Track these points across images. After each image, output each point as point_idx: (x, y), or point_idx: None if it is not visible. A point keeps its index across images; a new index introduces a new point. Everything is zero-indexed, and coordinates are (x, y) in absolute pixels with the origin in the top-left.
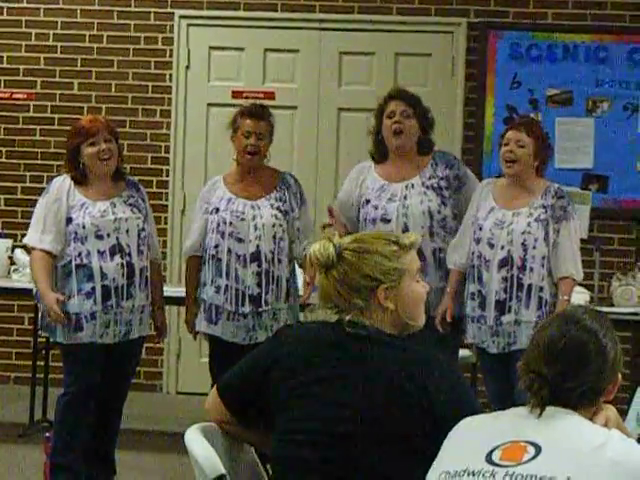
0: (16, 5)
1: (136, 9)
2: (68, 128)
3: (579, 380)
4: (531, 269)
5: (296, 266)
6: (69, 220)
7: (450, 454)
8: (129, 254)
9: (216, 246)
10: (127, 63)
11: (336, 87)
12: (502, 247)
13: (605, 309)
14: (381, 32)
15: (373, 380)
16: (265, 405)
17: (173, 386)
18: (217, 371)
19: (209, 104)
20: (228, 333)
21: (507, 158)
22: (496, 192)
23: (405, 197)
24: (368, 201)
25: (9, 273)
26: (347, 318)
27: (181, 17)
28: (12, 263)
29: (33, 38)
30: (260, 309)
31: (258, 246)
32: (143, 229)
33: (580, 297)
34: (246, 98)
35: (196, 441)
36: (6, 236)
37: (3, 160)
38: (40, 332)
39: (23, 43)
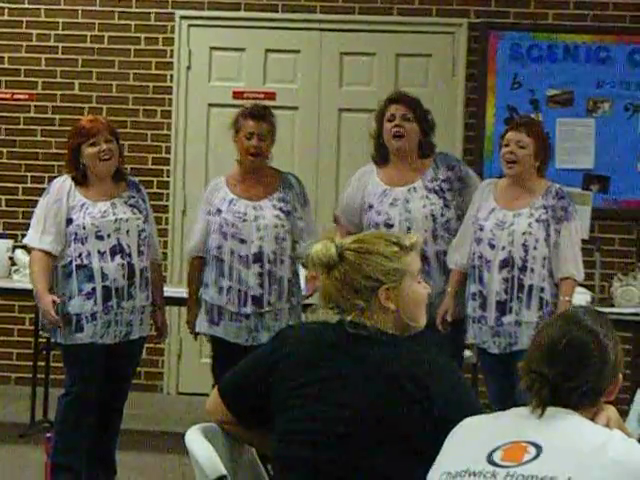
0: (17, 6)
1: (137, 10)
2: (69, 129)
3: (580, 380)
4: (532, 270)
5: (299, 266)
6: (69, 221)
7: (451, 454)
8: (129, 255)
9: (218, 247)
10: (128, 64)
11: (337, 88)
12: (503, 248)
13: (606, 310)
14: (382, 33)
15: (374, 380)
16: (266, 405)
17: (174, 386)
18: (219, 372)
19: (210, 104)
20: (230, 334)
21: (508, 159)
22: (497, 192)
23: (407, 201)
24: (371, 206)
25: (10, 274)
26: (348, 319)
27: (182, 17)
28: (13, 264)
29: (34, 39)
30: (262, 310)
31: (260, 247)
32: (143, 230)
33: (581, 298)
34: (247, 99)
35: (197, 442)
36: (7, 237)
37: (4, 161)
38: (41, 332)
39: (24, 44)
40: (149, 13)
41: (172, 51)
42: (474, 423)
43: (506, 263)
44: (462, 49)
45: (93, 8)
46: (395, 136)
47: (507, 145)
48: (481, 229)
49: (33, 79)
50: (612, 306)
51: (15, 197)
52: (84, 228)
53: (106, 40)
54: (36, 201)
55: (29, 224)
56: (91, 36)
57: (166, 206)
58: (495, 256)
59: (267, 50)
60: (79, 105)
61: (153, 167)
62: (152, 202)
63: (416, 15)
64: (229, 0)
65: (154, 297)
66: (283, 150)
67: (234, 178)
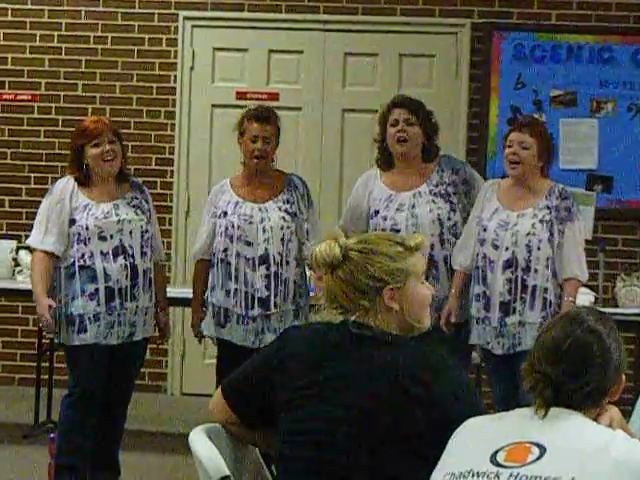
0: (20, 7)
1: (140, 10)
2: (72, 129)
3: (583, 381)
4: (535, 270)
5: (306, 267)
6: (72, 221)
7: (454, 455)
8: (132, 255)
9: (225, 250)
10: (131, 64)
11: (340, 88)
12: (506, 248)
13: (609, 310)
14: (385, 33)
15: (377, 381)
16: (269, 406)
17: (177, 387)
18: (225, 374)
19: (213, 105)
20: (237, 337)
21: (511, 160)
22: (500, 193)
23: (413, 206)
24: (377, 212)
25: (13, 274)
26: (352, 319)
27: (185, 18)
28: (17, 264)
29: (37, 39)
30: (269, 312)
31: (266, 249)
32: (146, 231)
33: (584, 298)
34: (250, 99)
35: (200, 442)
36: (10, 237)
37: (7, 161)
38: (44, 333)
39: (27, 44)
40: (152, 14)
41: (175, 52)
42: (477, 424)
43: (510, 264)
44: (465, 49)
45: (96, 9)
46: (399, 141)
47: (510, 146)
48: (484, 230)
49: (36, 80)
50: (615, 306)
51: (18, 198)
52: (87, 229)
53: (109, 41)
54: (39, 202)
55: (32, 225)
56: (94, 37)
57: (170, 207)
58: (499, 257)
59: (270, 51)
60: (82, 106)
61: (156, 168)
62: (155, 203)
63: (419, 15)
64: (232, 1)
65: (157, 298)
66: (287, 150)
67: (239, 180)
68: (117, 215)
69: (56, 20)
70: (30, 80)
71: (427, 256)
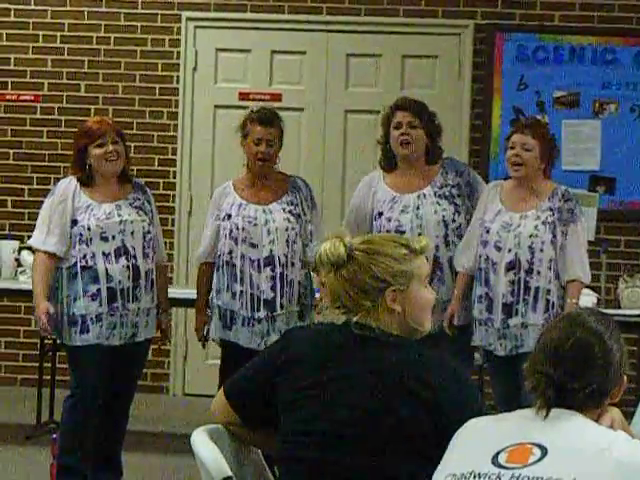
0: (23, 7)
1: (143, 11)
2: (75, 130)
3: (585, 381)
4: (538, 272)
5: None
6: (74, 222)
7: (456, 456)
8: (134, 256)
9: (230, 252)
10: (134, 65)
11: (343, 89)
12: (509, 250)
13: (612, 311)
14: (388, 34)
15: (381, 381)
16: (271, 407)
17: (180, 388)
18: (230, 377)
19: (216, 106)
20: (244, 339)
21: (514, 162)
22: (503, 194)
23: (418, 207)
24: (381, 214)
25: (16, 275)
26: (355, 319)
27: (188, 19)
28: (19, 265)
29: (40, 40)
30: (275, 313)
31: (271, 250)
32: (148, 232)
33: (587, 299)
34: (253, 100)
35: (202, 443)
36: (13, 238)
37: (10, 162)
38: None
39: (30, 45)
40: (155, 14)
41: (178, 52)
42: (479, 425)
43: (512, 265)
44: (468, 50)
45: (99, 9)
46: (402, 144)
47: (512, 147)
48: (487, 231)
49: (39, 80)
50: (618, 308)
51: (21, 198)
52: (89, 229)
53: (112, 41)
54: (42, 202)
55: (35, 225)
56: (97, 37)
57: (172, 207)
58: (501, 258)
59: (273, 51)
60: (85, 106)
61: (159, 168)
62: (158, 203)
63: (422, 17)
64: (235, 1)
65: (159, 299)
66: (289, 151)
67: (242, 182)
68: (119, 216)
69: (59, 21)
70: (33, 80)
71: (432, 257)
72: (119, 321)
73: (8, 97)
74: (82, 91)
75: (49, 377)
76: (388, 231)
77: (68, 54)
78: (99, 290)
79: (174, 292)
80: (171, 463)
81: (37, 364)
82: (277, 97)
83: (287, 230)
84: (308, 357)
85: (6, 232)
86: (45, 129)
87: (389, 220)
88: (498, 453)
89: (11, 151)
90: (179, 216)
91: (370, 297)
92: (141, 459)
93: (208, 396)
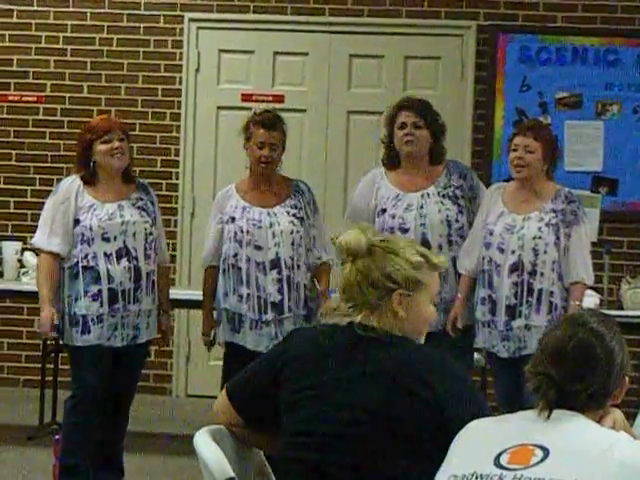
0: (26, 8)
1: (146, 12)
2: (78, 131)
3: (586, 382)
4: (542, 274)
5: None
6: (77, 221)
7: (458, 457)
8: (136, 257)
9: (235, 255)
10: (137, 66)
11: (345, 90)
12: (513, 252)
13: (614, 312)
14: (391, 35)
15: (382, 382)
16: (274, 408)
17: (182, 389)
18: None
19: (219, 107)
20: (251, 342)
21: (516, 164)
22: (506, 196)
23: (422, 206)
24: (384, 210)
25: (19, 276)
26: (358, 320)
27: (191, 20)
28: (22, 266)
29: (43, 41)
30: (282, 316)
31: (277, 253)
32: (151, 233)
33: (589, 300)
34: (256, 101)
35: (205, 444)
36: (16, 239)
37: (13, 163)
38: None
39: (33, 46)
40: (158, 16)
41: (181, 54)
42: (481, 426)
43: (516, 267)
44: (471, 52)
45: (102, 10)
46: (406, 142)
47: (515, 150)
48: (491, 233)
49: (42, 81)
50: (620, 309)
51: (24, 199)
52: (91, 229)
53: (115, 42)
54: (44, 203)
55: (37, 226)
56: (100, 38)
57: (175, 208)
58: (505, 260)
59: (276, 52)
60: (88, 107)
61: (162, 169)
62: (161, 204)
63: (425, 18)
64: (238, 3)
65: (160, 300)
66: (292, 152)
67: (245, 185)
68: (121, 217)
69: (62, 22)
70: (35, 82)
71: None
72: (120, 322)
73: (11, 98)
74: (85, 92)
75: (52, 378)
76: (392, 228)
77: (71, 55)
78: (100, 291)
79: (176, 293)
80: (174, 464)
81: (40, 365)
82: (280, 98)
83: (292, 233)
84: (309, 357)
85: (9, 233)
86: (48, 130)
87: (393, 217)
88: (500, 454)
89: (14, 152)
90: (181, 217)
91: (378, 294)
92: (144, 460)
93: (211, 397)
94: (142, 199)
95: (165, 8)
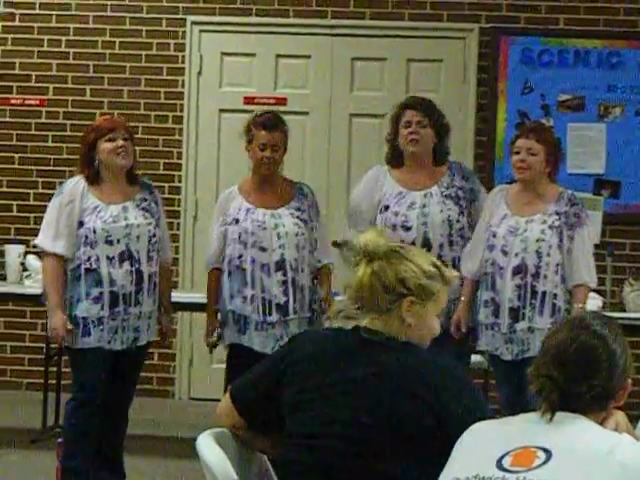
0: (28, 11)
1: (148, 15)
2: (80, 134)
3: (589, 385)
4: (545, 276)
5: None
6: (81, 223)
7: (460, 460)
8: (138, 261)
9: (239, 256)
10: (139, 69)
11: (348, 93)
12: (516, 254)
13: (617, 314)
14: (393, 38)
15: (385, 384)
16: (277, 410)
17: (185, 392)
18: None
19: (221, 110)
20: (258, 343)
21: (519, 166)
22: (509, 198)
23: (424, 205)
24: (387, 207)
25: (21, 279)
26: (363, 324)
27: (193, 23)
28: (24, 269)
29: (45, 44)
30: (287, 318)
31: (282, 255)
32: (154, 234)
33: (592, 302)
34: (258, 104)
35: (208, 447)
36: (18, 242)
37: (15, 166)
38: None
39: (35, 49)
40: (160, 19)
41: (183, 57)
42: (483, 428)
43: (519, 270)
44: (473, 54)
45: (104, 14)
46: (411, 141)
47: (518, 152)
48: (494, 236)
49: (44, 85)
50: (623, 311)
51: (26, 203)
52: (94, 232)
53: (117, 46)
54: (47, 206)
55: (41, 228)
56: (102, 42)
57: (177, 211)
58: (508, 263)
59: (278, 55)
60: (90, 111)
61: (164, 172)
62: (163, 207)
63: (427, 20)
64: (240, 6)
65: (161, 300)
66: (294, 155)
67: (248, 187)
68: (125, 219)
69: (64, 25)
70: (38, 85)
71: (436, 256)
72: (120, 325)
73: (13, 101)
74: (87, 95)
75: (55, 381)
76: (394, 225)
77: (73, 58)
78: (101, 294)
79: (179, 296)
80: (176, 467)
81: (43, 368)
82: (282, 101)
83: (297, 235)
84: (313, 359)
85: (11, 236)
86: (50, 133)
87: (396, 214)
88: (503, 457)
89: (16, 155)
90: (184, 220)
91: (389, 298)
92: (146, 463)
93: (213, 400)
94: (146, 199)
95: (167, 11)
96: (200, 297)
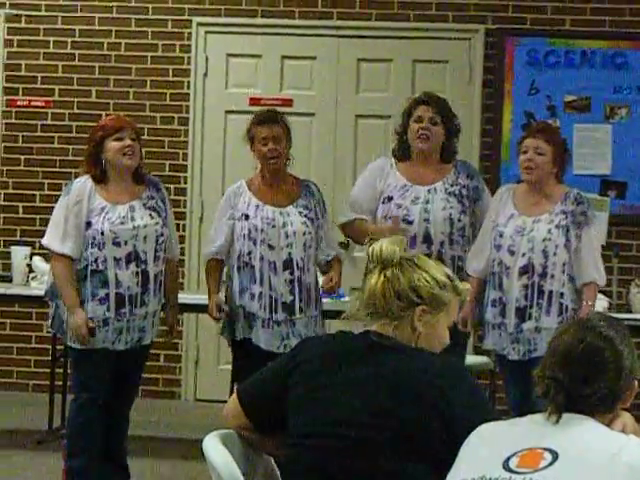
0: (34, 13)
1: (154, 17)
2: (86, 136)
3: (595, 386)
4: (552, 276)
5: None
6: (88, 224)
7: (467, 461)
8: (145, 261)
9: (249, 253)
10: (145, 71)
11: (354, 94)
12: (523, 254)
13: (623, 316)
14: (399, 39)
15: (391, 386)
16: (284, 412)
17: (191, 393)
18: (244, 376)
19: (227, 111)
20: (264, 341)
21: (526, 166)
22: (516, 198)
23: (428, 201)
24: (390, 198)
25: (27, 281)
26: (374, 328)
27: (199, 24)
28: (31, 271)
29: (51, 46)
30: (294, 317)
31: (290, 253)
32: (161, 234)
33: (598, 304)
34: (264, 105)
35: (214, 448)
36: (24, 244)
37: (21, 168)
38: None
39: (41, 51)
40: (166, 20)
41: (189, 58)
42: (490, 429)
43: (526, 269)
44: (479, 55)
45: (110, 15)
46: (421, 138)
47: (525, 152)
48: (501, 235)
49: (50, 86)
50: (629, 312)
51: (32, 204)
52: (102, 234)
53: (123, 47)
54: (53, 208)
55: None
56: (108, 43)
57: (183, 213)
58: (515, 262)
59: (284, 56)
60: (96, 112)
61: (170, 174)
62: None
63: (433, 21)
64: (246, 7)
65: (167, 295)
66: (300, 156)
67: (256, 183)
68: (132, 220)
69: (70, 27)
70: (44, 86)
71: (437, 253)
72: (125, 326)
73: (19, 103)
74: (93, 97)
75: (61, 383)
76: (396, 217)
77: (79, 60)
78: (107, 295)
79: (185, 297)
80: (183, 468)
81: (49, 370)
82: (288, 102)
83: (304, 234)
84: (320, 360)
85: (18, 238)
86: (56, 135)
87: (399, 207)
88: (509, 458)
89: (22, 157)
90: (190, 222)
91: (401, 305)
92: (152, 464)
93: (220, 401)
94: (153, 197)
95: (173, 12)
96: (206, 299)
